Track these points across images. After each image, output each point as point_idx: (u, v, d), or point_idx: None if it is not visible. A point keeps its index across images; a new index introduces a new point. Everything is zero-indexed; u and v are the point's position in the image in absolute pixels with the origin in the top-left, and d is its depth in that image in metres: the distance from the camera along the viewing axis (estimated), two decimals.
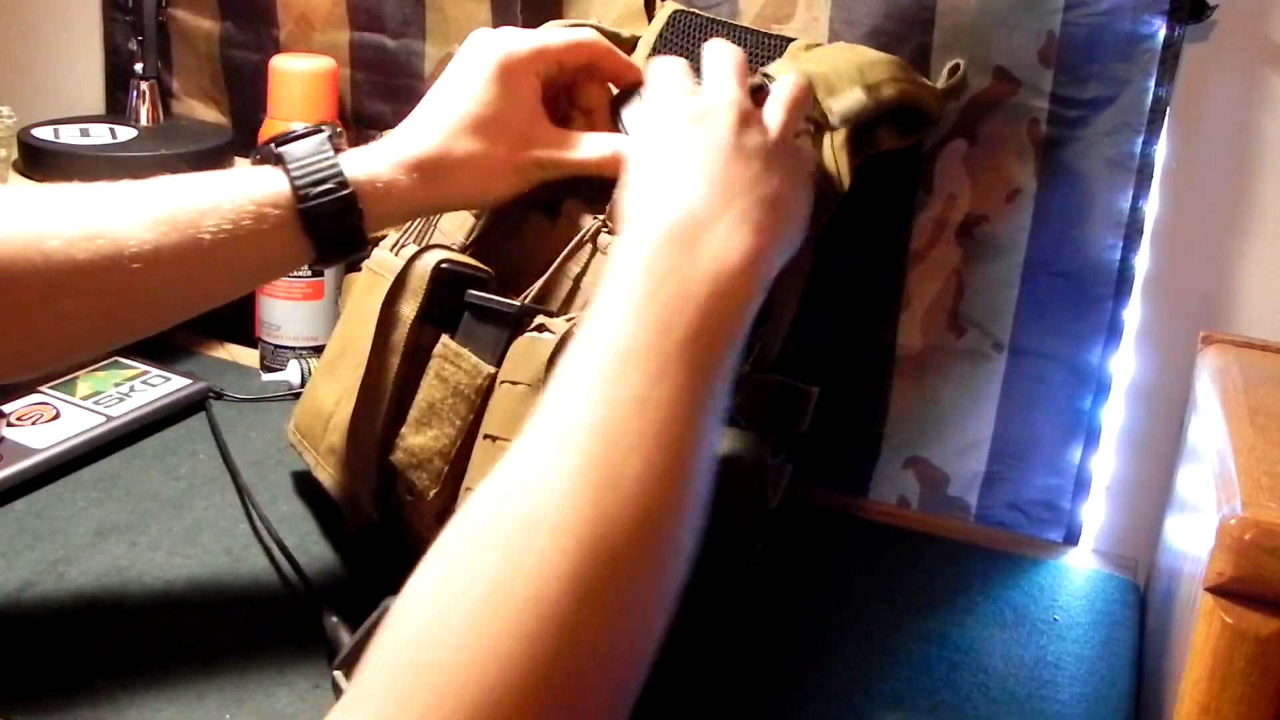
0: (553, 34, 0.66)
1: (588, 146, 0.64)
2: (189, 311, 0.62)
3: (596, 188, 0.65)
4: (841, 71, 0.69)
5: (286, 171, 0.60)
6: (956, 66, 0.76)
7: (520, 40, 0.64)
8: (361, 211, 0.60)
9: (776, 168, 0.56)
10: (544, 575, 0.40)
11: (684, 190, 0.53)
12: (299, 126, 0.63)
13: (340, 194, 0.59)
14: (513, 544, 0.41)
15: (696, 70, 0.74)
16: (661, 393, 0.46)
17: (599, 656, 0.40)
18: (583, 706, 0.40)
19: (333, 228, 0.60)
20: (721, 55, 0.61)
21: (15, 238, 0.55)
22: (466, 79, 0.63)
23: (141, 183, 0.59)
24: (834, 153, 0.68)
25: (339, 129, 0.63)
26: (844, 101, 0.67)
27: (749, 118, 0.58)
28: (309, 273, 0.94)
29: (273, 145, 0.61)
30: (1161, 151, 0.76)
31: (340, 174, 0.59)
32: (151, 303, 0.59)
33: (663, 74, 0.61)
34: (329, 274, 0.95)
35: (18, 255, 0.55)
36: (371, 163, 0.61)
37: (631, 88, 0.68)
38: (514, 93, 0.63)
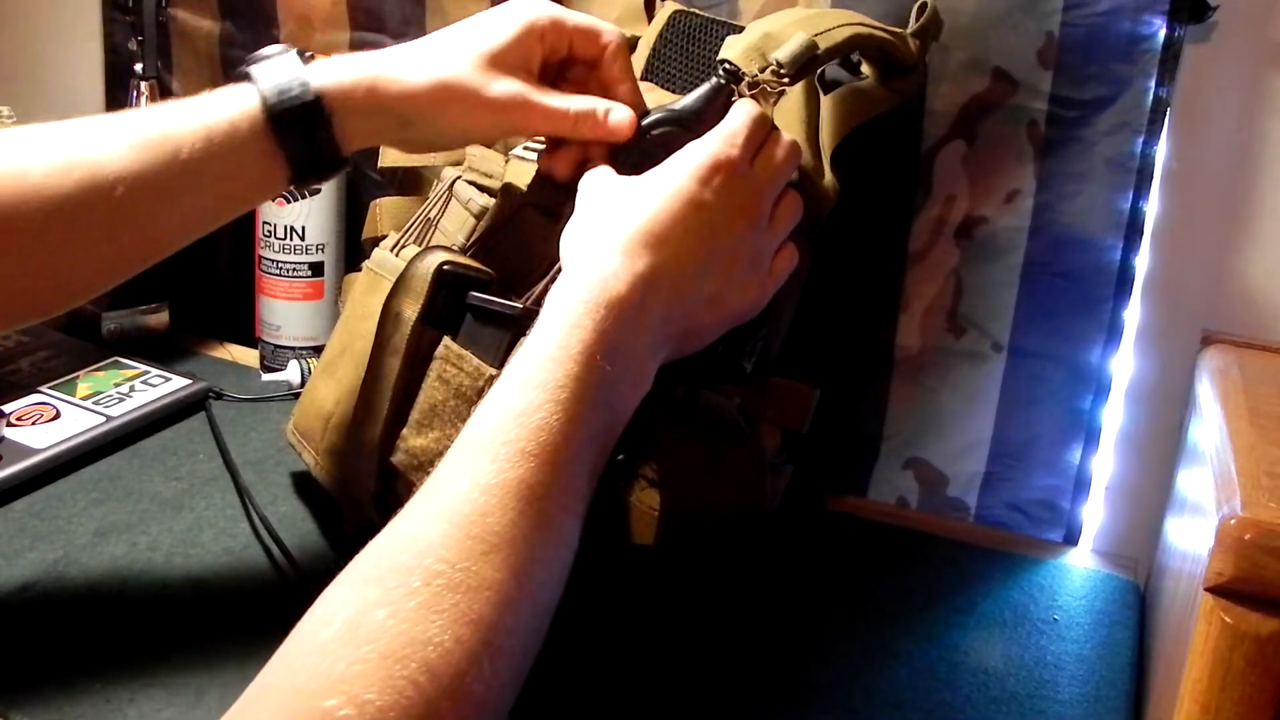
0: (578, 14, 0.65)
1: (570, 100, 0.64)
2: (176, 237, 0.63)
3: None
4: (788, 29, 0.67)
5: (254, 83, 0.61)
6: (924, 5, 0.74)
7: (548, 7, 0.65)
8: (329, 117, 0.61)
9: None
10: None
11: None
12: (268, 50, 0.63)
13: (305, 99, 0.60)
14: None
15: (695, 68, 0.74)
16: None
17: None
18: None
19: (302, 133, 0.60)
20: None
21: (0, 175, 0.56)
22: (491, 19, 0.64)
23: (118, 113, 0.61)
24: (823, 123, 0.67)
25: (309, 53, 0.64)
26: (788, 47, 0.65)
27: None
28: (308, 271, 0.94)
29: (244, 66, 0.62)
30: (1161, 151, 0.76)
31: (304, 81, 0.60)
32: (139, 228, 0.60)
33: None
34: (329, 274, 0.96)
35: (4, 191, 0.56)
36: (340, 71, 0.62)
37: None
38: (524, 45, 0.63)
